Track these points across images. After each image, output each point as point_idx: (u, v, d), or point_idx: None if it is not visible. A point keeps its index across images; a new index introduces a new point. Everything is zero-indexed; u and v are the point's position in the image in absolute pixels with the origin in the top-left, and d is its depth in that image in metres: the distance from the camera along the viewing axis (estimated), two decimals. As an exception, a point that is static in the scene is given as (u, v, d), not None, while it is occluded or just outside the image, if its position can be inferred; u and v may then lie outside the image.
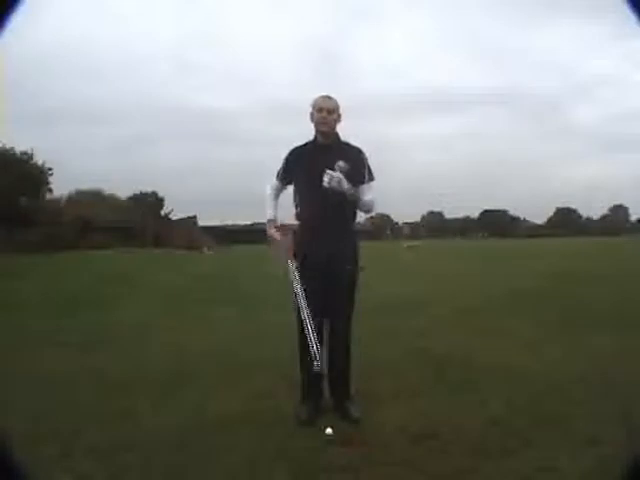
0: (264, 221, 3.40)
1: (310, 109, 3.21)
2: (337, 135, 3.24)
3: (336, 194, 3.08)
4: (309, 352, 3.14)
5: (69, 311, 7.63)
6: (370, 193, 3.22)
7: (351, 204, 3.19)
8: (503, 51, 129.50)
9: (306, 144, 3.28)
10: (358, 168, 3.19)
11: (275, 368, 3.74)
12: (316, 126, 3.20)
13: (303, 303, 3.03)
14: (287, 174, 3.29)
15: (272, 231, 3.32)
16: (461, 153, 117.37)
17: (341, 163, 3.09)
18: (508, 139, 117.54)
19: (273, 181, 3.37)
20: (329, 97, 3.21)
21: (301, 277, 3.13)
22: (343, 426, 2.94)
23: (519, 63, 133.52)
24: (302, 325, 3.11)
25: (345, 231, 3.19)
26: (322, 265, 3.11)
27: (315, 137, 3.24)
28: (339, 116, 3.22)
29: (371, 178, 3.25)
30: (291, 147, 3.31)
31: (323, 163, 3.10)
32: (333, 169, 3.08)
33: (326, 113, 3.14)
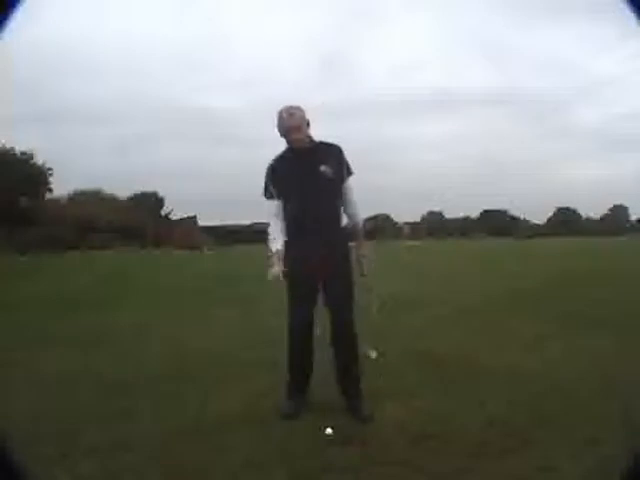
0: (264, 221, 3.34)
1: (276, 119, 3.11)
2: (311, 138, 3.18)
3: (324, 200, 3.13)
4: (297, 350, 3.18)
5: (69, 311, 7.63)
6: (350, 189, 3.24)
7: (338, 205, 3.22)
8: (504, 51, 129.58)
9: (283, 155, 3.21)
10: (340, 168, 3.19)
11: (275, 368, 3.74)
12: (288, 143, 3.15)
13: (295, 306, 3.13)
14: (277, 189, 3.18)
15: (276, 267, 3.14)
16: (461, 153, 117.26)
17: (323, 168, 3.12)
18: (508, 139, 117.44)
19: (270, 205, 3.19)
20: (291, 112, 3.08)
21: (295, 282, 3.16)
22: (343, 426, 2.94)
23: (520, 63, 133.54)
24: (292, 324, 3.18)
25: (337, 234, 3.20)
26: (316, 269, 3.11)
27: (289, 147, 3.17)
28: (308, 124, 3.14)
29: (350, 173, 3.25)
30: (268, 163, 3.22)
31: (306, 172, 3.13)
32: (317, 175, 3.11)
33: (296, 133, 3.08)
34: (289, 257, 3.18)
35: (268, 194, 3.20)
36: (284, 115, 3.09)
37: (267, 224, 3.23)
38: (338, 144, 3.25)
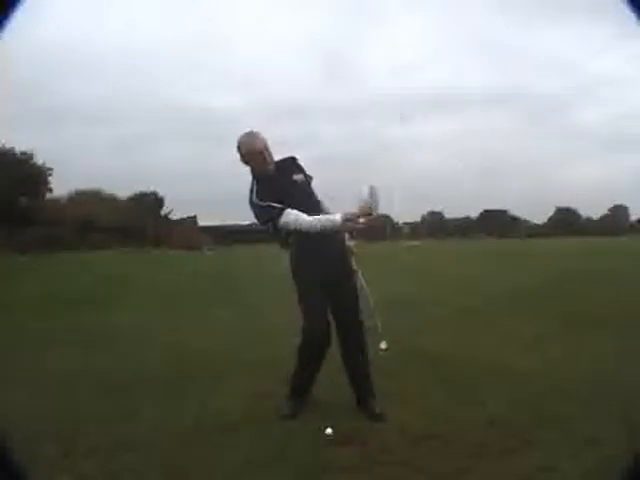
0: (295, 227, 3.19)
1: (238, 150, 3.14)
2: (271, 157, 3.21)
3: (312, 205, 3.17)
4: (310, 359, 3.17)
5: (69, 311, 7.63)
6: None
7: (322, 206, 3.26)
8: (504, 51, 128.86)
9: (256, 182, 3.17)
10: (304, 174, 3.30)
11: (275, 368, 3.74)
12: (259, 168, 3.15)
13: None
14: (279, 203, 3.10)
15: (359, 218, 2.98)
16: (461, 153, 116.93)
17: (296, 176, 3.22)
18: (508, 139, 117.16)
19: (286, 217, 3.03)
20: (254, 137, 3.14)
21: (309, 288, 3.15)
22: (343, 426, 2.94)
23: (520, 63, 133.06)
24: (308, 319, 3.12)
25: (337, 241, 3.23)
26: (326, 270, 3.14)
27: (257, 172, 3.18)
28: (268, 146, 3.17)
29: (311, 177, 3.34)
30: (252, 194, 3.15)
31: (286, 185, 3.16)
32: (295, 185, 3.17)
33: (265, 154, 3.12)
34: (299, 262, 3.18)
35: (274, 213, 3.07)
36: (248, 140, 3.12)
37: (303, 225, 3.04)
38: (291, 155, 3.32)
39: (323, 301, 3.16)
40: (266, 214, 3.10)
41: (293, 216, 3.05)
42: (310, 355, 3.19)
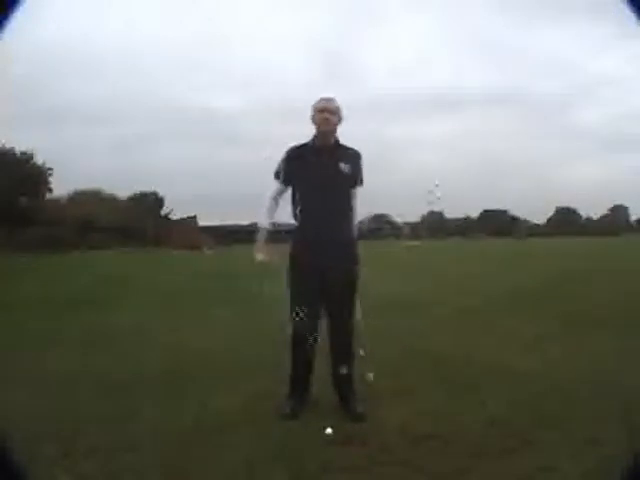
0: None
1: (311, 110, 3.25)
2: (336, 137, 3.27)
3: (340, 196, 3.20)
4: (300, 348, 3.17)
5: (69, 311, 7.63)
6: (356, 196, 3.29)
7: (351, 204, 3.25)
8: (504, 51, 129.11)
9: (305, 145, 3.27)
10: (357, 171, 3.27)
11: (275, 368, 3.74)
12: (318, 127, 3.22)
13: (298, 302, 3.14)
14: (289, 175, 3.24)
15: (260, 244, 3.31)
16: (461, 153, 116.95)
17: (343, 165, 3.18)
18: (508, 139, 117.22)
19: (275, 184, 3.29)
20: (331, 99, 3.26)
21: (300, 276, 3.16)
22: (343, 426, 2.94)
23: (520, 63, 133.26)
24: (295, 322, 3.16)
25: (346, 231, 3.23)
26: (323, 264, 3.13)
27: (314, 139, 3.25)
28: (340, 118, 3.26)
29: (362, 183, 3.32)
30: (288, 147, 3.29)
31: (326, 165, 3.18)
32: (336, 171, 3.16)
33: (328, 114, 3.19)
34: (297, 247, 3.22)
35: (276, 175, 3.28)
36: (323, 98, 3.24)
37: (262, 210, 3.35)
38: (358, 150, 3.32)
39: (311, 296, 3.16)
40: (274, 173, 3.30)
41: (269, 195, 3.29)
42: (296, 343, 3.19)
